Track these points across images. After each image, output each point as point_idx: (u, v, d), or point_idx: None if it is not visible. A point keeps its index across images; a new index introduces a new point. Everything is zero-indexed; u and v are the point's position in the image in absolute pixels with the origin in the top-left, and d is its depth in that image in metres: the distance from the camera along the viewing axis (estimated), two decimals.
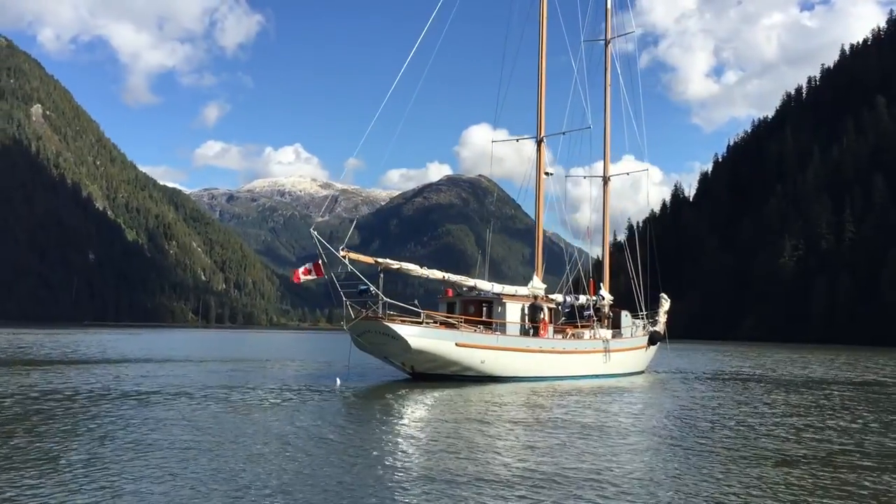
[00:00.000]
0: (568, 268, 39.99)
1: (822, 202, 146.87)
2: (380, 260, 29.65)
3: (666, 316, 45.22)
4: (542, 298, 34.95)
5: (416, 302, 30.08)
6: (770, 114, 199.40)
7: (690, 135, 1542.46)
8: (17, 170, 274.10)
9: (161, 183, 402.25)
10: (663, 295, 45.97)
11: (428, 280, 33.10)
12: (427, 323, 29.30)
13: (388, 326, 27.78)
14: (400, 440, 15.21)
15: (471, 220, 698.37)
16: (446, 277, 32.33)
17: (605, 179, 47.12)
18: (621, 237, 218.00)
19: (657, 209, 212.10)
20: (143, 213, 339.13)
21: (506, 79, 41.48)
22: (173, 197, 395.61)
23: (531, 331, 32.81)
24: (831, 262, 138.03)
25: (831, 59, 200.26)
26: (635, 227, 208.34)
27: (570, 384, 30.74)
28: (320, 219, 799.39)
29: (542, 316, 33.60)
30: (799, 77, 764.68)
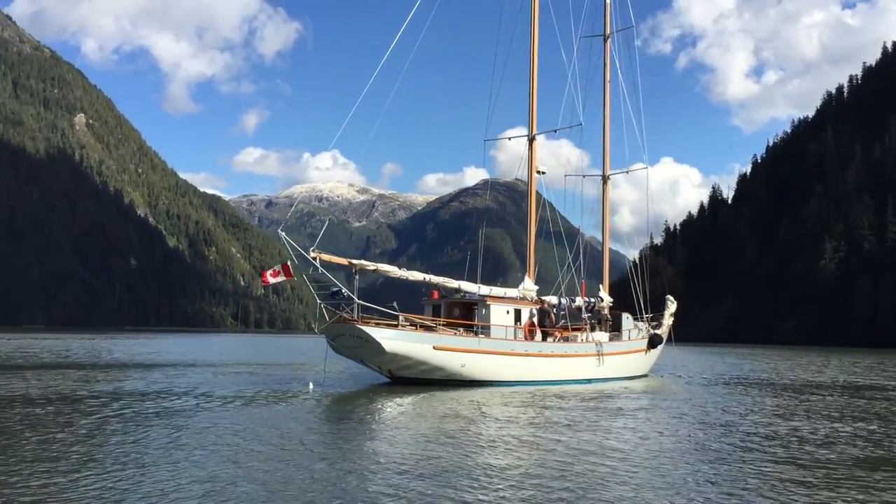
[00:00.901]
0: (565, 268, 39.29)
1: (864, 203, 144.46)
2: (354, 262, 29.15)
3: (672, 318, 44.63)
4: (535, 301, 34.27)
5: (394, 304, 29.32)
6: (811, 114, 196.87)
7: (731, 136, 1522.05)
8: (62, 178, 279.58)
9: (201, 189, 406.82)
10: (669, 297, 45.79)
11: (438, 283, 32.65)
12: (403, 326, 28.56)
13: (361, 329, 27.17)
14: (352, 450, 14.44)
15: (508, 224, 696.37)
16: (428, 279, 31.77)
17: (605, 178, 46.11)
18: (658, 240, 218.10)
19: (695, 211, 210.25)
20: (183, 219, 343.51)
21: (497, 78, 40.34)
22: (213, 203, 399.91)
23: (517, 333, 31.92)
24: (873, 263, 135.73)
25: (873, 57, 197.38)
26: (672, 229, 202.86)
27: (559, 389, 29.85)
28: (358, 224, 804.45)
29: (527, 319, 32.82)
30: (840, 76, 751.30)
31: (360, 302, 27.58)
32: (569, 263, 39.32)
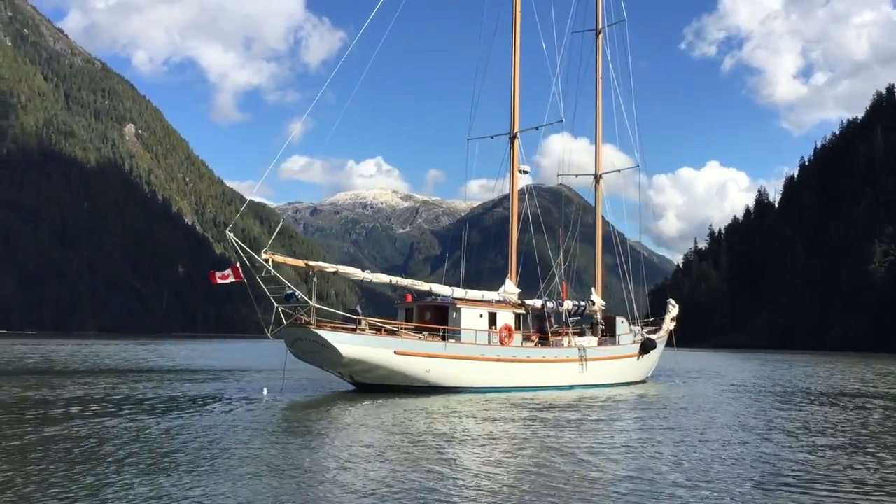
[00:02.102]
0: (552, 271, 37.95)
1: None
2: (311, 263, 28.30)
3: (674, 322, 43.17)
4: (516, 304, 32.97)
5: (357, 308, 28.48)
6: (860, 115, 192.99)
7: (779, 139, 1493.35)
8: (111, 187, 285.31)
9: (247, 197, 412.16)
10: (671, 301, 44.24)
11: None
12: (362, 330, 27.37)
13: (316, 334, 26.09)
14: (280, 464, 13.48)
15: (551, 229, 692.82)
16: (395, 282, 30.76)
17: (597, 178, 44.39)
18: (702, 245, 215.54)
19: (740, 215, 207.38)
20: (229, 226, 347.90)
21: (479, 77, 38.88)
22: (259, 211, 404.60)
23: (492, 337, 30.63)
24: None
25: None
26: (717, 233, 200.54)
27: (533, 395, 28.64)
28: (401, 230, 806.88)
29: (504, 323, 31.47)
30: (891, 76, 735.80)
31: (315, 305, 26.53)
32: (558, 263, 38.47)
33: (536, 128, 38.05)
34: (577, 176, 45.32)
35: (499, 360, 30.11)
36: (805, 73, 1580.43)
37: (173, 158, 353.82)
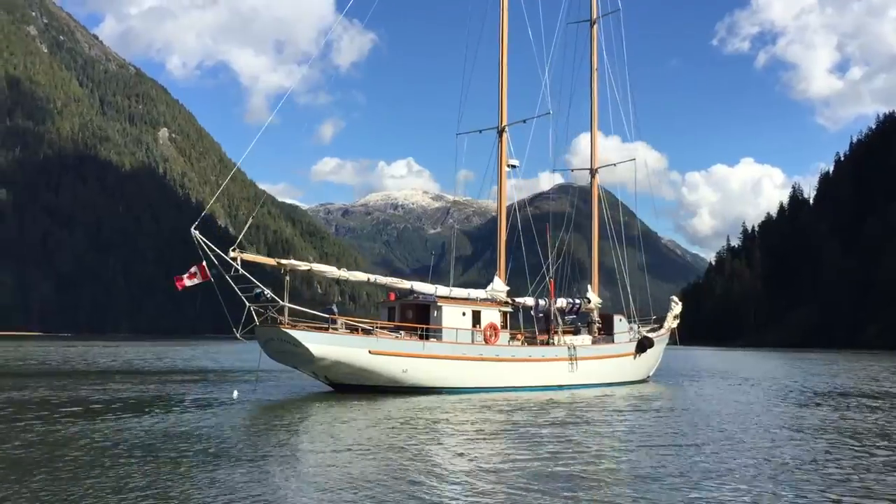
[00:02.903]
0: (542, 271, 36.61)
1: None
2: (282, 261, 27.54)
3: (677, 320, 41.90)
4: (502, 302, 32.15)
5: (332, 307, 27.88)
6: None
7: (815, 135, 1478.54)
8: (146, 190, 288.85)
9: (279, 199, 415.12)
10: (674, 298, 43.08)
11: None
12: (334, 329, 26.71)
13: (287, 333, 25.51)
14: (241, 470, 12.87)
15: (583, 229, 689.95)
16: (373, 280, 30.05)
17: (593, 172, 43.27)
18: (735, 242, 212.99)
19: (775, 213, 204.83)
20: (262, 229, 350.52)
21: (468, 72, 38.01)
22: (291, 213, 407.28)
23: (476, 336, 29.76)
24: None
25: None
26: (750, 230, 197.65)
27: (516, 396, 27.80)
28: (433, 230, 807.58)
29: (489, 321, 30.61)
30: None
31: (283, 303, 25.92)
32: (548, 264, 37.13)
33: (524, 121, 37.04)
34: (572, 171, 44.35)
35: (481, 360, 29.29)
36: (841, 68, 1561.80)
37: (206, 161, 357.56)
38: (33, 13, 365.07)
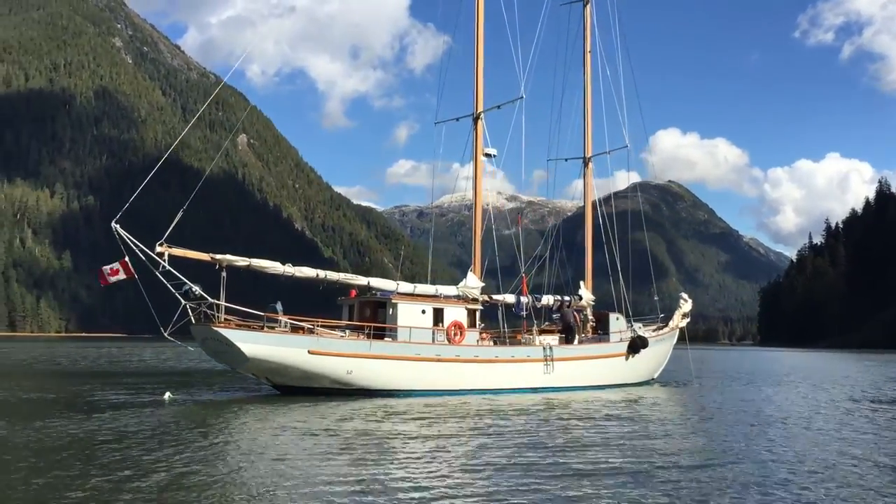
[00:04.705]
0: (526, 268, 34.36)
1: None
2: (217, 256, 25.80)
3: (686, 319, 38.78)
4: (469, 300, 29.99)
5: (276, 305, 26.09)
6: None
7: None
8: (226, 195, 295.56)
9: (355, 202, 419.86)
10: (683, 295, 39.68)
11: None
12: (270, 328, 25.15)
13: (218, 332, 24.11)
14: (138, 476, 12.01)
15: (661, 228, 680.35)
16: (322, 276, 27.91)
17: (586, 161, 40.11)
18: (818, 239, 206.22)
19: (859, 208, 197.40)
20: (338, 231, 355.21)
21: (446, 58, 36.26)
22: (366, 215, 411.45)
23: (438, 335, 27.96)
24: None
25: None
26: (834, 227, 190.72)
27: (480, 399, 25.89)
28: (507, 231, 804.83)
29: (452, 319, 28.68)
30: None
31: (217, 302, 24.44)
32: (545, 259, 35.31)
33: (498, 106, 34.65)
34: (566, 160, 40.41)
35: (439, 361, 27.26)
36: None
37: (283, 166, 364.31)
38: (119, 26, 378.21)
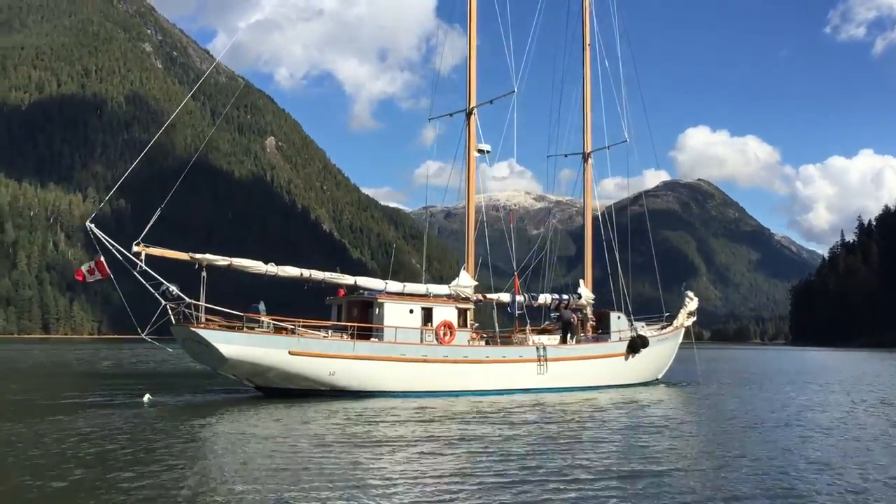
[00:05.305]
0: (529, 257, 34.21)
1: None
2: (196, 256, 25.44)
3: (692, 317, 37.79)
4: (460, 299, 29.39)
5: (259, 305, 25.87)
6: None
7: None
8: (254, 197, 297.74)
9: (382, 203, 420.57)
10: (689, 293, 38.47)
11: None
12: (250, 328, 24.76)
13: (196, 333, 23.78)
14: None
15: (691, 227, 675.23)
16: (307, 275, 27.42)
17: (586, 156, 39.06)
18: (850, 237, 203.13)
19: (893, 205, 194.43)
20: (365, 232, 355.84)
21: (440, 52, 36.43)
22: (393, 216, 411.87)
23: (425, 336, 27.39)
24: None
25: None
26: (867, 224, 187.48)
27: (466, 401, 25.22)
28: (535, 231, 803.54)
29: (442, 319, 28.10)
30: None
31: (196, 302, 24.23)
32: (540, 258, 34.80)
33: (491, 101, 34.06)
34: (566, 156, 39.81)
35: (425, 361, 26.69)
36: None
37: (311, 168, 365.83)
38: (149, 31, 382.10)
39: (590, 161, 39.11)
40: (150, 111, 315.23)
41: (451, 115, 34.58)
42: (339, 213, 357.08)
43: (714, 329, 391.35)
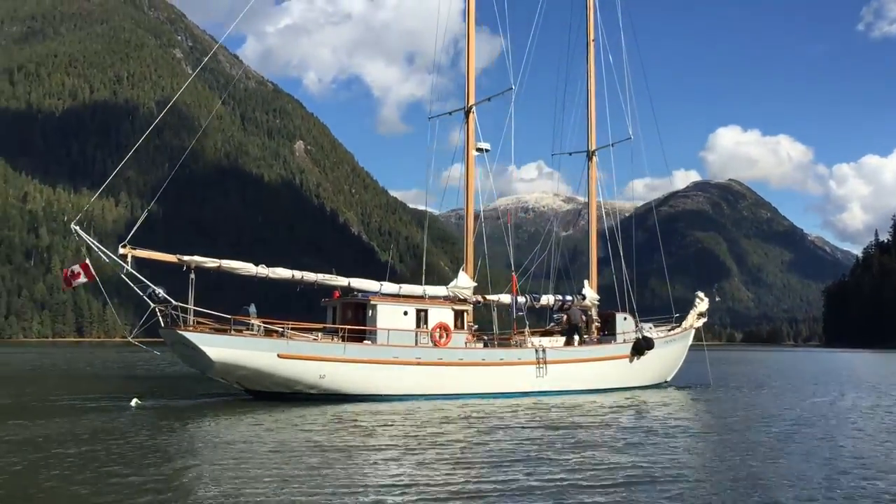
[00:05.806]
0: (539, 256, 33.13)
1: None
2: (184, 258, 25.05)
3: (703, 319, 37.03)
4: (458, 300, 28.91)
5: (250, 308, 25.48)
6: None
7: None
8: (283, 200, 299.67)
9: (410, 206, 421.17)
10: (699, 294, 37.59)
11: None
12: (238, 331, 24.35)
13: (183, 336, 23.44)
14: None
15: (721, 227, 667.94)
16: (299, 276, 26.94)
17: (590, 154, 38.36)
18: (885, 237, 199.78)
19: None
20: (394, 235, 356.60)
21: (439, 51, 35.75)
22: (422, 219, 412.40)
23: (421, 338, 26.75)
24: None
25: None
26: None
27: (461, 404, 24.63)
28: (564, 233, 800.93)
29: (437, 321, 27.43)
30: None
31: (183, 305, 23.96)
32: (537, 258, 33.94)
33: (489, 98, 33.73)
34: (570, 154, 39.28)
35: (419, 364, 26.14)
36: None
37: (340, 171, 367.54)
38: (179, 37, 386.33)
39: (594, 159, 38.46)
40: (180, 116, 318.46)
41: (450, 113, 34.31)
42: (367, 216, 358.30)
43: (746, 331, 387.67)
